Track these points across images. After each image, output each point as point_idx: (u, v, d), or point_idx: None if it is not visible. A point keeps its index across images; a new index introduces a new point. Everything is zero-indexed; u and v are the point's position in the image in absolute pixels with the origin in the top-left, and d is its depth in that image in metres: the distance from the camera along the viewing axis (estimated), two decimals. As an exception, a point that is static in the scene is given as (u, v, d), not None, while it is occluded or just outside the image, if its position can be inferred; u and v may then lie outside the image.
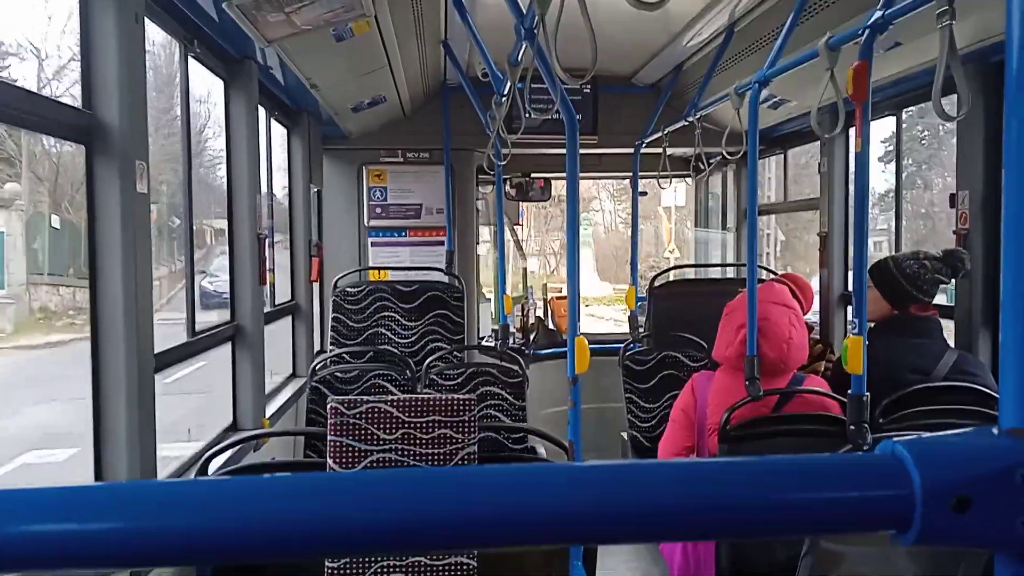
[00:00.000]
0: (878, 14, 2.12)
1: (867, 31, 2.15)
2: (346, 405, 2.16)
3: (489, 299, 6.47)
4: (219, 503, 0.49)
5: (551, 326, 6.26)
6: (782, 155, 5.13)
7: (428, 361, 3.90)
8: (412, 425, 2.17)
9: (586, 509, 0.51)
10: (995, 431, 0.52)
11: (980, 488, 0.49)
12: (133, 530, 0.48)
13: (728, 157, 3.80)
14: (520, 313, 6.04)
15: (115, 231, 2.06)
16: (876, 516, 0.50)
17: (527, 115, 3.65)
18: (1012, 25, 0.52)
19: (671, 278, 6.05)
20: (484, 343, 5.48)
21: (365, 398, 2.17)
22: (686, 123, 4.35)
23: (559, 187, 6.85)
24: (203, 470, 2.31)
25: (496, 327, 5.30)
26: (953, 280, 3.08)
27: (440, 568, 2.18)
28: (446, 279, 5.11)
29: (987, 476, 0.49)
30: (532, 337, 5.86)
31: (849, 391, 2.41)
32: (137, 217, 2.10)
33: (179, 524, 0.48)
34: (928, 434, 0.53)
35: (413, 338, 4.76)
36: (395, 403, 2.17)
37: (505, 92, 3.08)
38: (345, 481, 0.53)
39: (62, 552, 0.48)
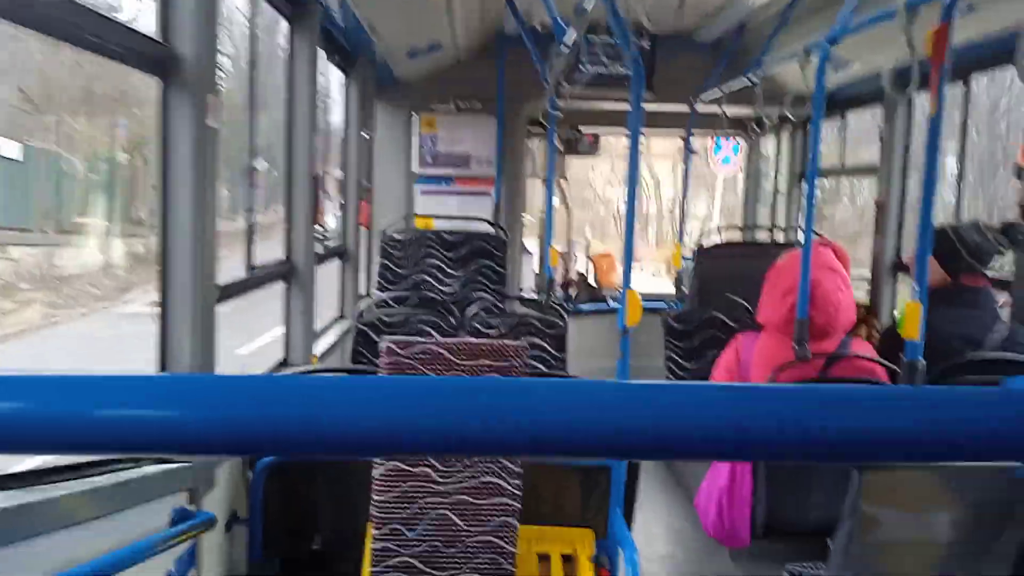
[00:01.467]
0: None
1: None
2: (400, 345, 2.21)
3: (531, 252, 6.48)
4: (280, 397, 0.52)
5: (592, 283, 6.28)
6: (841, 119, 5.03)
7: (470, 309, 3.95)
8: (463, 368, 2.22)
9: (659, 423, 0.52)
10: None
11: None
12: (198, 418, 0.51)
13: (792, 119, 3.74)
14: (562, 268, 6.06)
15: (187, 165, 2.11)
16: (1006, 446, 0.52)
17: (584, 68, 3.62)
18: None
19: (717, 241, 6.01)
20: (525, 296, 5.52)
21: (419, 339, 2.22)
22: (748, 82, 4.28)
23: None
24: None
25: (537, 281, 5.33)
26: (1009, 252, 3.04)
27: (484, 507, 2.24)
28: (492, 230, 5.14)
29: None
30: (573, 292, 5.88)
31: (903, 356, 2.40)
32: (207, 150, 2.15)
33: (239, 414, 0.51)
34: None
35: (456, 286, 4.81)
36: (448, 346, 2.21)
37: (569, 42, 3.06)
38: (402, 384, 0.55)
39: (130, 435, 0.51)
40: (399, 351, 2.23)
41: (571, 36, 2.92)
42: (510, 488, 2.22)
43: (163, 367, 2.23)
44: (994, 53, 3.23)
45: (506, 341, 2.27)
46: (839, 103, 4.89)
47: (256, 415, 0.51)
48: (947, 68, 2.09)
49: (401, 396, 0.52)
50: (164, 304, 2.18)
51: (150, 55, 2.03)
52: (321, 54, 3.81)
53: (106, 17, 1.83)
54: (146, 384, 0.52)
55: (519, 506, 2.24)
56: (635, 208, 2.33)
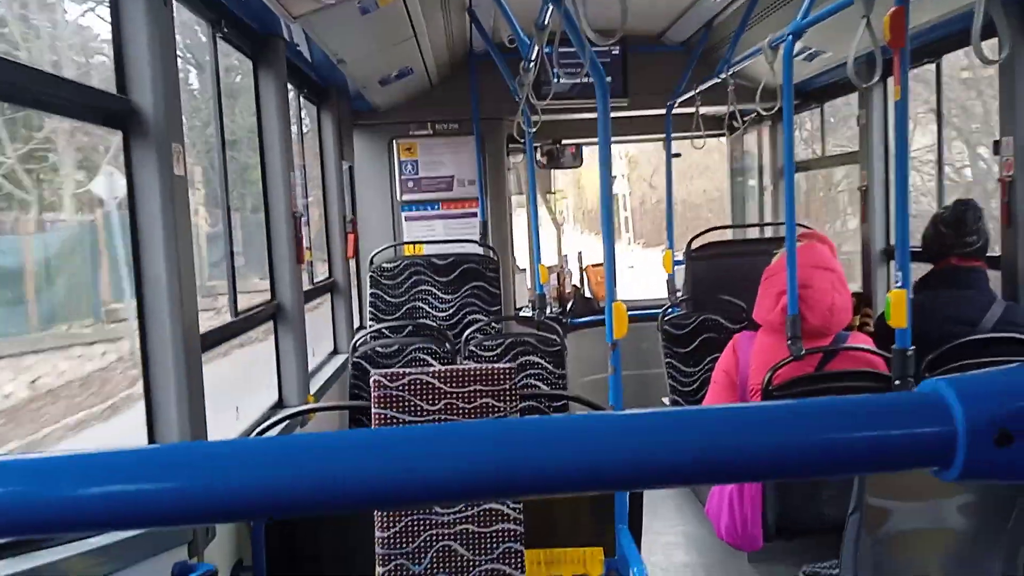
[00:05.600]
0: None
1: None
2: (389, 378, 2.18)
3: (524, 269, 6.46)
4: (272, 459, 0.51)
5: (587, 294, 6.24)
6: (818, 109, 5.02)
7: (467, 333, 3.92)
8: (454, 395, 2.19)
9: (624, 455, 0.51)
10: None
11: (1022, 422, 0.48)
12: (188, 489, 0.50)
13: (763, 113, 3.73)
14: (556, 283, 6.03)
15: (156, 215, 2.09)
16: (919, 452, 0.50)
17: (556, 80, 3.61)
18: None
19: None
20: (521, 313, 5.49)
21: (407, 370, 2.19)
22: (719, 80, 4.27)
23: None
24: None
25: (532, 297, 5.31)
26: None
27: (488, 535, 2.21)
28: (481, 251, 5.11)
29: None
30: (569, 306, 5.85)
31: (893, 346, 2.37)
32: (176, 199, 2.13)
33: (233, 482, 0.50)
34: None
35: (451, 311, 4.78)
36: (437, 374, 2.19)
37: (533, 57, 3.05)
38: (393, 435, 0.54)
39: (119, 511, 0.50)
40: (388, 384, 2.21)
41: (535, 50, 2.91)
42: (512, 513, 2.19)
43: (150, 423, 2.20)
44: (963, 31, 3.22)
45: (496, 365, 2.24)
46: (815, 93, 4.88)
47: (239, 482, 0.50)
48: (908, 52, 2.07)
49: (385, 448, 0.51)
50: (145, 359, 2.15)
51: (109, 109, 2.02)
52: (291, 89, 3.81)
53: (58, 76, 1.81)
54: (128, 459, 0.51)
55: (522, 530, 2.20)
56: (612, 217, 2.30)
